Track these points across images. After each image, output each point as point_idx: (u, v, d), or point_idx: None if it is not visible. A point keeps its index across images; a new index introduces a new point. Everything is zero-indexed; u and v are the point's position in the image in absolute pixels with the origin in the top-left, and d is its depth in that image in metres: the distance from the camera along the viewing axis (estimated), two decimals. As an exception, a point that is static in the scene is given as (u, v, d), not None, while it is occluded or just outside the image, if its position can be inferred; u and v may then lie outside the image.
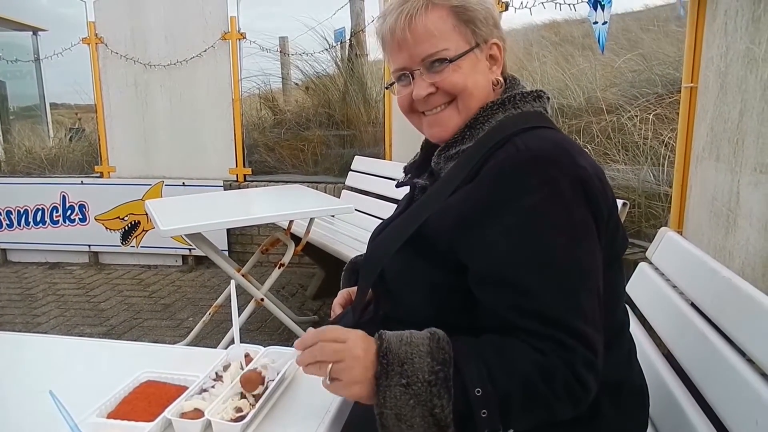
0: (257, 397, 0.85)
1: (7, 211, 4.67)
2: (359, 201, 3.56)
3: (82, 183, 4.59)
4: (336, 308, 1.21)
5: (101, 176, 4.65)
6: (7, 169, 5.12)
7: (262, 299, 2.65)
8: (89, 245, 4.61)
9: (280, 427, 0.82)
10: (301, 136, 5.00)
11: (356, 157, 4.04)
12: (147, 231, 4.46)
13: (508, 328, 0.84)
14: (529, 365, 0.80)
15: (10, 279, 4.38)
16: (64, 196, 4.58)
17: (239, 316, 2.74)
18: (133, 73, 4.45)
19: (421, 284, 0.97)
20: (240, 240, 4.39)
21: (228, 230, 4.31)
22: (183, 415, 0.82)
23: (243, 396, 0.85)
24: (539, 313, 0.82)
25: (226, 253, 4.25)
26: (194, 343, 2.95)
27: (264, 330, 3.16)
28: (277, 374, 0.92)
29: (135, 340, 3.13)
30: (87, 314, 3.56)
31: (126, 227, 4.52)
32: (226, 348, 1.03)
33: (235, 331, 1.00)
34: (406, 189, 1.18)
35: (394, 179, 3.59)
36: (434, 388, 0.77)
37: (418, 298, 0.98)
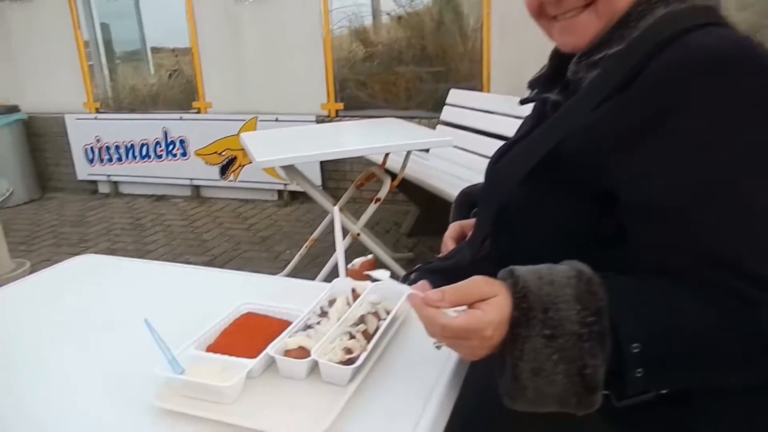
0: (368, 338, 0.76)
1: (116, 146, 4.92)
2: (456, 136, 3.37)
3: (181, 119, 4.72)
4: (447, 243, 1.09)
5: (198, 112, 4.75)
6: (114, 106, 5.36)
7: (359, 234, 2.60)
8: (191, 179, 4.78)
9: (394, 373, 0.73)
10: (394, 71, 4.82)
11: (452, 90, 3.82)
12: (244, 166, 4.55)
13: (670, 272, 0.68)
14: (699, 318, 0.64)
15: (122, 209, 4.66)
16: (165, 132, 4.74)
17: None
18: (225, 7, 4.42)
19: (553, 217, 0.82)
20: (333, 176, 4.37)
21: (321, 166, 4.30)
22: (287, 353, 0.74)
23: (352, 336, 0.77)
24: (714, 256, 0.65)
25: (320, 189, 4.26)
26: (292, 275, 2.98)
27: (358, 266, 3.13)
28: (388, 313, 0.82)
29: (236, 270, 3.22)
30: (191, 244, 3.71)
31: (224, 162, 4.62)
32: (325, 282, 0.95)
33: (339, 263, 0.90)
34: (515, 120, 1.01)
35: (493, 113, 3.40)
36: (586, 343, 0.63)
37: (548, 233, 0.83)
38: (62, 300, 1.02)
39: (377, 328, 0.78)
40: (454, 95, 3.75)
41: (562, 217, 0.81)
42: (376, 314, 0.82)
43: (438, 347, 0.70)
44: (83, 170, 5.12)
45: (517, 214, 0.87)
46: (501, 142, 1.06)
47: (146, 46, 6.62)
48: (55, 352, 0.84)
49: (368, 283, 0.91)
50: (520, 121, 1.07)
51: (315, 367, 0.73)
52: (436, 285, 0.70)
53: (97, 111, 5.11)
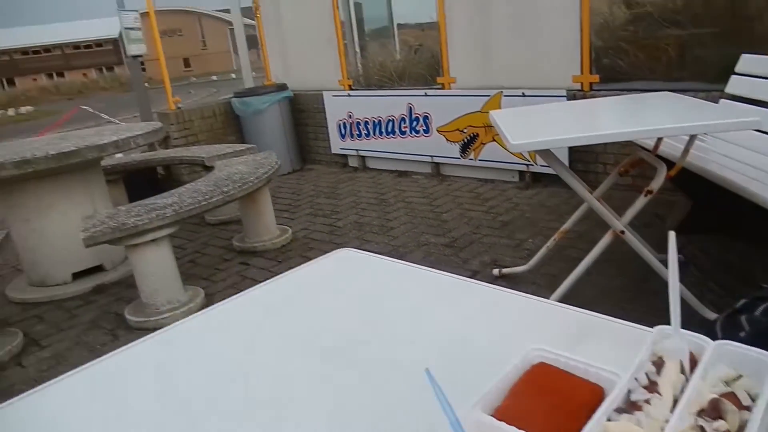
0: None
1: (365, 122, 5.16)
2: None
3: (425, 95, 4.73)
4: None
5: (442, 87, 4.70)
6: (364, 83, 5.63)
7: (623, 231, 2.24)
8: (431, 156, 4.79)
9: None
10: (664, 34, 4.14)
11: (744, 55, 3.10)
12: (485, 144, 4.39)
13: None
14: None
15: (369, 184, 4.89)
16: (410, 107, 4.81)
17: (591, 254, 2.31)
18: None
19: None
20: (583, 158, 3.95)
21: (570, 147, 3.92)
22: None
23: (703, 430, 0.52)
24: None
25: (567, 170, 3.89)
26: (537, 267, 2.75)
27: (613, 265, 2.74)
28: (754, 399, 0.56)
29: (475, 256, 3.10)
30: (431, 223, 3.70)
31: (465, 139, 4.52)
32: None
33: (673, 310, 0.65)
34: None
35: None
36: None
37: None
38: (315, 306, 0.96)
39: (742, 427, 0.53)
40: (748, 62, 3.02)
41: None
42: (733, 398, 0.56)
43: None
44: (336, 144, 5.51)
45: None
46: None
47: (393, 23, 6.88)
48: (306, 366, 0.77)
49: (706, 341, 0.65)
50: None
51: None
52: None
53: (350, 88, 5.42)
